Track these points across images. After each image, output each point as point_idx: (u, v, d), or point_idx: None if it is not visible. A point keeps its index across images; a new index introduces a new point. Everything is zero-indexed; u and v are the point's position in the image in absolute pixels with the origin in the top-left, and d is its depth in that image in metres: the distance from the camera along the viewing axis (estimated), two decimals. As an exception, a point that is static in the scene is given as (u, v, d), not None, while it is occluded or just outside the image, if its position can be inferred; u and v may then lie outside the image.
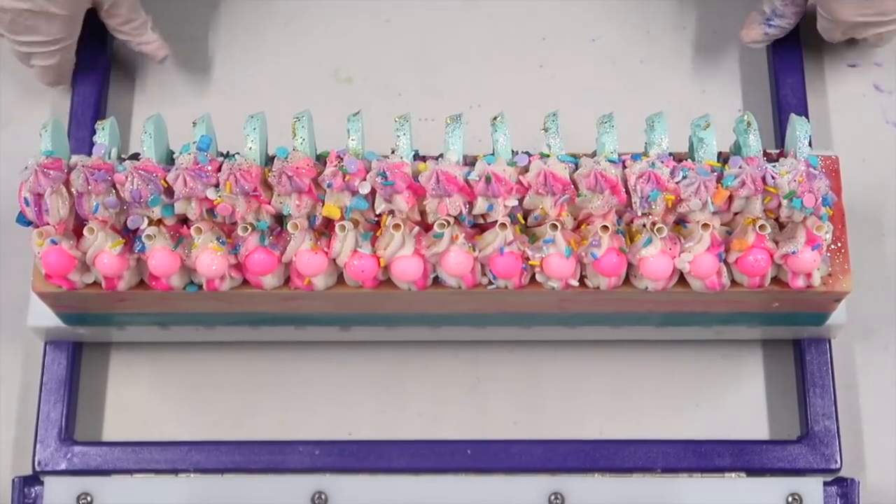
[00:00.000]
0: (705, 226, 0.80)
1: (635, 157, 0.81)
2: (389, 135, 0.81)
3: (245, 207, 0.80)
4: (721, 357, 0.93)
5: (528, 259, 0.81)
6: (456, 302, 0.84)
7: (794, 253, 0.80)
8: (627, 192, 0.80)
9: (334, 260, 0.81)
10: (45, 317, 0.88)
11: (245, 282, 0.83)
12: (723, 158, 0.82)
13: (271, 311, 0.86)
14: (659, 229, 0.80)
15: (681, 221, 0.81)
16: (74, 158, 0.81)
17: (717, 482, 0.87)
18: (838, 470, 0.88)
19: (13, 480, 0.87)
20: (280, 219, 0.81)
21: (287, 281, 0.83)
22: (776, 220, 0.82)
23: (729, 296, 0.83)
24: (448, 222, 0.80)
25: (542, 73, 1.02)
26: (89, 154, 0.80)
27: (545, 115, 0.82)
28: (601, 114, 0.82)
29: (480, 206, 0.80)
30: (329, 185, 0.79)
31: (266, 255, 0.80)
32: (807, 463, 0.88)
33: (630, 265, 0.81)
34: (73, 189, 0.80)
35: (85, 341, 0.92)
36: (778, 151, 0.84)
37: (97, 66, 0.98)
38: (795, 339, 0.92)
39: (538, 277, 0.82)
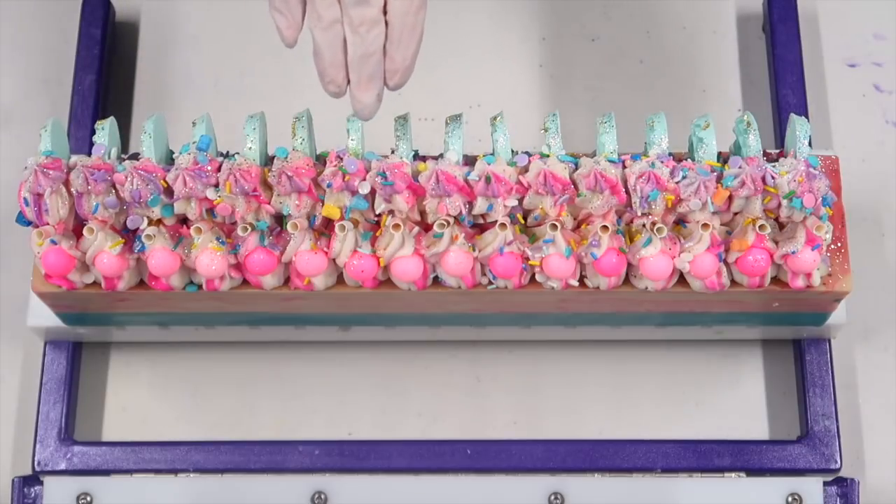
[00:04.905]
0: (705, 226, 0.80)
1: (635, 157, 0.81)
2: (389, 135, 0.81)
3: (245, 207, 0.80)
4: (721, 357, 0.93)
5: (527, 259, 0.81)
6: (456, 302, 0.84)
7: (793, 253, 0.80)
8: (627, 192, 0.80)
9: (334, 260, 0.81)
10: (45, 317, 0.88)
11: (245, 282, 0.82)
12: (723, 158, 0.82)
13: (271, 311, 0.86)
14: (659, 229, 0.80)
15: (681, 221, 0.81)
16: (74, 158, 0.81)
17: (716, 482, 0.87)
18: (838, 470, 0.88)
19: (13, 480, 0.87)
20: (280, 219, 0.81)
21: (287, 281, 0.83)
22: (776, 220, 0.82)
23: (729, 296, 0.83)
24: (448, 222, 0.80)
25: (542, 73, 1.02)
26: (89, 154, 0.80)
27: (545, 115, 0.82)
28: (601, 114, 0.82)
29: (480, 206, 0.80)
30: (329, 185, 0.79)
31: (266, 255, 0.80)
32: (807, 463, 0.88)
33: (630, 265, 0.81)
34: (72, 189, 0.80)
35: (85, 341, 0.92)
36: (778, 151, 0.84)
37: (97, 66, 0.98)
38: (795, 339, 0.92)
39: (538, 277, 0.82)
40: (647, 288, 0.82)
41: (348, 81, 0.77)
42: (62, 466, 0.88)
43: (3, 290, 0.95)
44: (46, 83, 1.01)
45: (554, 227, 0.79)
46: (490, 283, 0.82)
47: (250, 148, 0.81)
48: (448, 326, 0.90)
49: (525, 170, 0.80)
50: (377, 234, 0.81)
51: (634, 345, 0.93)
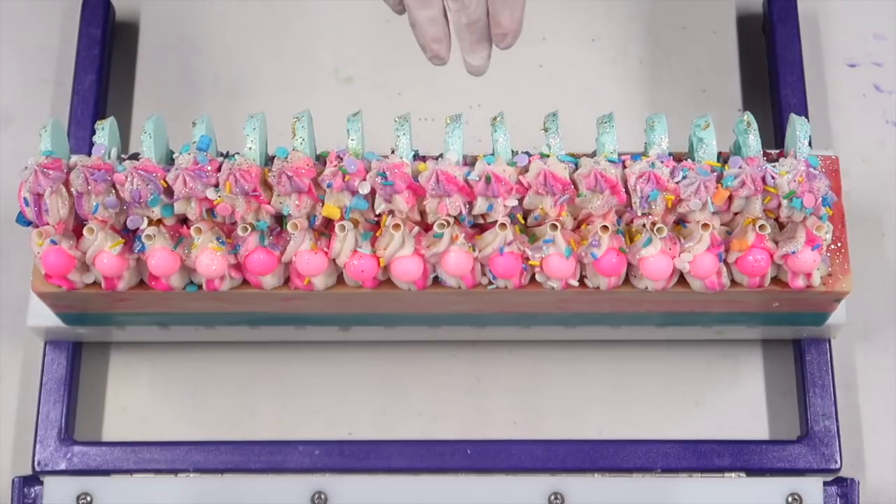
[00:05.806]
0: (705, 226, 0.80)
1: (635, 157, 0.81)
2: (389, 135, 0.81)
3: (245, 207, 0.80)
4: (721, 357, 0.93)
5: (527, 259, 0.81)
6: (456, 302, 0.84)
7: (794, 253, 0.80)
8: (627, 192, 0.80)
9: (334, 260, 0.81)
10: (45, 317, 0.88)
11: (245, 282, 0.82)
12: (723, 158, 0.82)
13: (271, 311, 0.86)
14: (659, 229, 0.80)
15: (681, 221, 0.81)
16: (74, 158, 0.81)
17: (716, 482, 0.87)
18: (838, 470, 0.88)
19: (13, 480, 0.87)
20: (280, 219, 0.81)
21: (287, 281, 0.83)
22: (776, 220, 0.82)
23: (729, 296, 0.83)
24: (448, 222, 0.80)
25: (542, 73, 1.02)
26: (89, 154, 0.80)
27: (545, 115, 0.82)
28: (601, 114, 0.82)
29: (480, 206, 0.80)
30: (329, 185, 0.79)
31: (266, 255, 0.80)
32: (807, 463, 0.88)
33: (630, 265, 0.81)
34: (72, 189, 0.80)
35: (85, 341, 0.92)
36: (778, 151, 0.84)
37: (97, 66, 0.98)
38: (795, 339, 0.92)
39: (538, 277, 0.82)
40: (647, 288, 0.82)
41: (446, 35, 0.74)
42: (62, 466, 0.88)
43: (3, 290, 0.95)
44: (46, 83, 1.01)
45: (554, 227, 0.79)
46: (490, 283, 0.82)
47: (250, 148, 0.81)
48: (448, 326, 0.90)
49: (525, 170, 0.80)
50: (377, 234, 0.81)
51: (634, 345, 0.93)
